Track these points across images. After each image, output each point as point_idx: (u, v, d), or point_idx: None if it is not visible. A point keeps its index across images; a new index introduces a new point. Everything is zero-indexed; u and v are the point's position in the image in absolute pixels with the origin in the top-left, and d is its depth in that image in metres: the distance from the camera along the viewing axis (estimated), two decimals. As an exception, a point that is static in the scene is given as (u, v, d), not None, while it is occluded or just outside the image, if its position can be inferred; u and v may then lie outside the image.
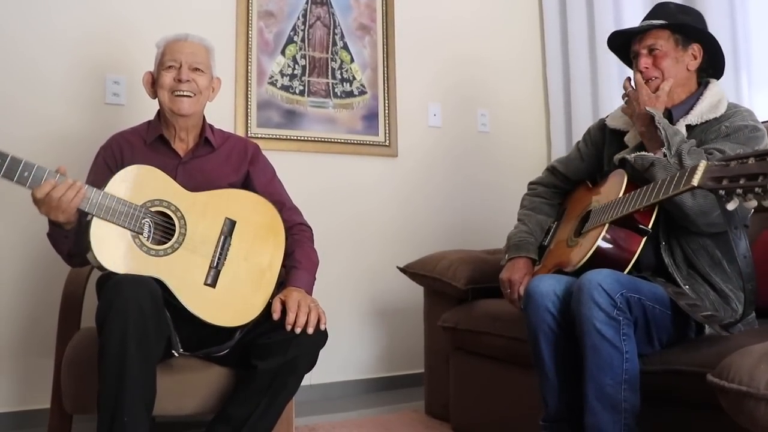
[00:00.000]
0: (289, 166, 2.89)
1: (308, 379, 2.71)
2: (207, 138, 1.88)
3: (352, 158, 3.07)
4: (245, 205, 1.78)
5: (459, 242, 3.10)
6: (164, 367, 1.67)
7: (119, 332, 1.44)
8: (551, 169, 2.14)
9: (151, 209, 1.64)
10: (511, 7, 3.58)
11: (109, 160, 1.83)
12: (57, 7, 2.55)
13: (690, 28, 1.80)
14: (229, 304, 1.68)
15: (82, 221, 1.61)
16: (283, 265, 1.80)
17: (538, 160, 3.50)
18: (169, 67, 1.81)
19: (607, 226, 1.64)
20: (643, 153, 1.66)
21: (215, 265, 1.69)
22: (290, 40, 2.99)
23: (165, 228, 1.67)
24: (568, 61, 3.37)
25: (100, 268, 1.60)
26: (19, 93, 2.48)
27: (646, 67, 1.78)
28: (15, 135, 2.44)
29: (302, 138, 2.97)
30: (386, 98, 3.15)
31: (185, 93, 1.80)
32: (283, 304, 1.66)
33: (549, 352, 1.61)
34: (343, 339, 2.96)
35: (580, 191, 2.01)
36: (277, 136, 2.91)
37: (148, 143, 1.85)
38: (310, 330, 1.62)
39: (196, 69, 1.82)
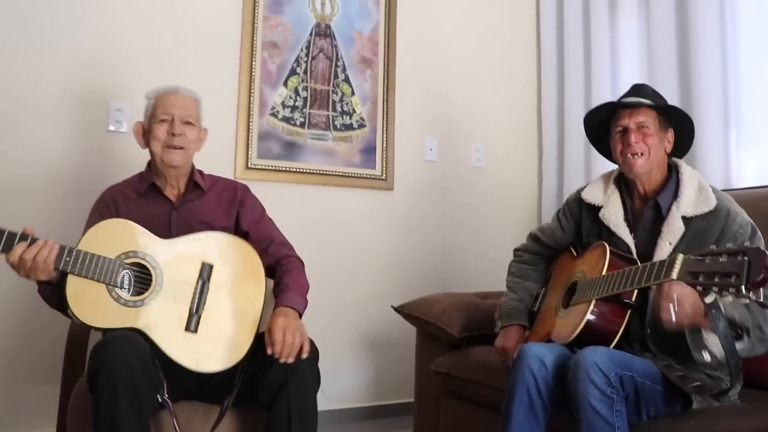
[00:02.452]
0: (287, 198, 2.95)
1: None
2: (196, 182, 1.95)
3: (349, 191, 3.11)
4: (222, 248, 1.80)
5: (451, 277, 3.17)
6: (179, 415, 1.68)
7: (109, 393, 1.50)
8: (534, 238, 2.20)
9: (125, 261, 1.67)
10: (510, 45, 3.64)
11: (105, 211, 1.88)
12: (62, 30, 2.56)
13: (674, 112, 1.88)
14: (214, 348, 1.70)
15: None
16: (273, 294, 1.84)
17: (529, 196, 3.59)
18: (162, 120, 1.88)
19: (594, 302, 1.71)
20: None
21: (195, 310, 1.71)
22: (293, 72, 3.02)
23: (142, 279, 1.70)
24: (563, 100, 3.44)
25: (80, 323, 1.64)
26: (19, 113, 2.47)
27: (636, 142, 1.83)
28: (11, 156, 2.45)
29: (301, 170, 3.01)
30: (384, 132, 3.20)
31: (177, 146, 1.87)
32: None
33: (519, 416, 1.65)
34: (332, 367, 3.00)
35: (564, 258, 2.09)
36: (277, 168, 2.95)
37: (141, 193, 1.91)
38: (291, 359, 1.64)
39: (188, 122, 1.90)
